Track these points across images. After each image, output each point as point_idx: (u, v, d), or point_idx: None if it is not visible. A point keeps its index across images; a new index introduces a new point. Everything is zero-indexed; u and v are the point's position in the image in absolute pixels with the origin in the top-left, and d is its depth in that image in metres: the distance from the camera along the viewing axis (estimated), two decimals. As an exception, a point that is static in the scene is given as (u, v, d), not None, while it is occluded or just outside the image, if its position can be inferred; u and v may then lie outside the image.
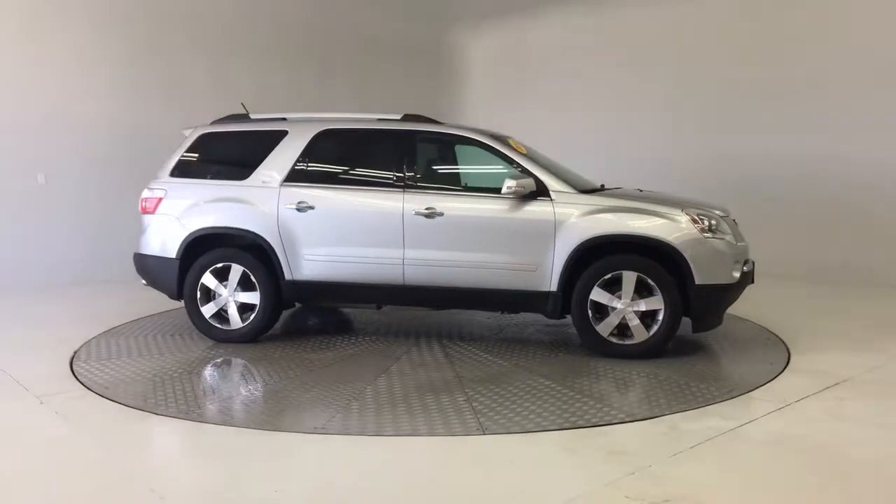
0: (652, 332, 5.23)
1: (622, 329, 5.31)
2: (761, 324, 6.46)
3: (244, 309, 5.78)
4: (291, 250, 5.68)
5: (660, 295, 5.17)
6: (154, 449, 3.92)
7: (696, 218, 5.26)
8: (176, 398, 4.42)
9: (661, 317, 5.20)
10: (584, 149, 10.41)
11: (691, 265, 5.14)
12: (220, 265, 5.77)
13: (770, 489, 3.19)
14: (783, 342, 5.79)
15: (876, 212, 8.70)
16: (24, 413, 4.20)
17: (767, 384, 4.68)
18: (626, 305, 5.23)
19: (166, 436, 3.97)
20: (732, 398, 4.39)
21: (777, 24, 9.41)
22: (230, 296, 5.76)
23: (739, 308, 6.89)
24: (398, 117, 5.98)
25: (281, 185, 5.75)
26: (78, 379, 4.83)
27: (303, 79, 10.90)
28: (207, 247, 5.84)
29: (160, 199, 5.94)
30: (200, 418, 4.11)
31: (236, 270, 5.74)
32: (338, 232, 5.65)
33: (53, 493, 3.17)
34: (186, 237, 5.79)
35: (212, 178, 6.03)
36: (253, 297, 5.74)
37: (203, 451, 3.78)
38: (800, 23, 9.20)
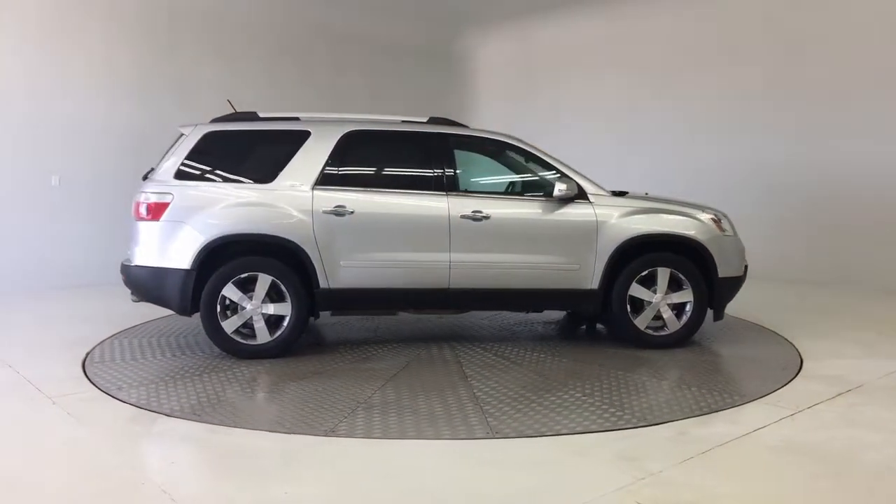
0: (682, 322, 5.70)
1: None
2: (773, 328, 6.42)
3: (269, 322, 5.38)
4: (328, 257, 5.35)
5: (689, 288, 5.67)
6: (171, 451, 3.93)
7: (715, 217, 5.86)
8: (192, 400, 4.42)
9: (689, 308, 5.69)
10: (591, 151, 10.40)
11: (716, 260, 5.69)
12: (244, 275, 5.29)
13: (782, 495, 3.16)
14: (795, 347, 5.76)
15: (886, 215, 8.64)
16: (36, 413, 4.22)
17: (779, 390, 4.64)
18: (660, 299, 5.64)
19: (182, 438, 3.95)
20: (744, 403, 4.37)
21: (783, 28, 9.37)
22: (258, 308, 5.32)
23: (751, 312, 6.92)
24: (424, 119, 5.94)
25: (313, 188, 5.43)
26: (90, 380, 4.85)
27: (313, 80, 10.95)
28: (223, 257, 5.33)
29: (167, 204, 5.30)
30: (285, 430, 3.96)
31: (264, 280, 5.30)
32: (380, 237, 5.45)
33: (65, 494, 3.18)
34: (205, 245, 5.22)
35: (227, 180, 5.49)
36: (283, 309, 5.35)
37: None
38: (804, 27, 9.16)
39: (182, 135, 5.58)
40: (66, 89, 8.81)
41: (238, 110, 5.91)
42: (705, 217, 5.83)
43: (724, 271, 5.73)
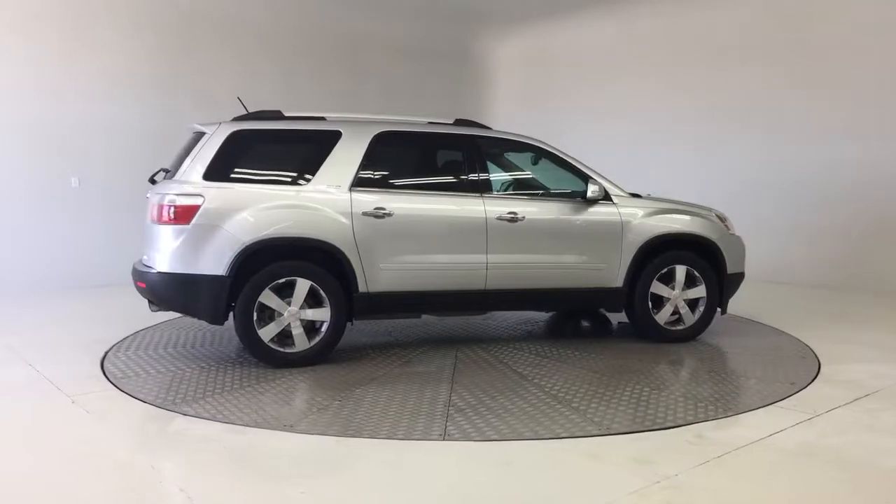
0: (696, 317, 5.99)
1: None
2: (790, 332, 6.38)
3: (305, 329, 5.17)
4: (368, 260, 5.20)
5: (703, 285, 5.94)
6: (185, 449, 3.96)
7: (722, 217, 6.23)
8: (214, 400, 4.45)
9: (701, 304, 5.99)
10: (603, 152, 10.33)
11: (725, 257, 6.02)
12: (282, 280, 5.06)
13: (798, 500, 3.14)
14: (813, 351, 5.71)
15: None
16: (55, 412, 4.27)
17: (797, 394, 4.61)
18: (678, 296, 5.93)
19: (200, 438, 3.95)
20: (761, 407, 4.34)
21: (793, 30, 9.28)
22: (297, 314, 5.09)
23: (767, 315, 6.89)
24: (450, 121, 5.94)
25: (350, 189, 5.28)
26: (109, 379, 4.89)
27: (328, 81, 10.98)
28: (255, 262, 5.03)
29: (197, 207, 4.94)
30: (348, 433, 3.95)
31: (303, 285, 5.08)
32: (419, 239, 5.38)
33: (84, 491, 3.22)
34: (242, 250, 4.93)
35: (260, 181, 5.25)
36: (321, 314, 5.16)
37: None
38: (813, 29, 9.07)
39: (203, 133, 5.28)
40: (82, 91, 8.90)
41: (249, 110, 5.68)
42: (713, 217, 6.16)
43: (731, 268, 6.07)
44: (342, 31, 11.24)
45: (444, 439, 3.82)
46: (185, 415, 4.18)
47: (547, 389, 4.68)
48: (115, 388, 4.70)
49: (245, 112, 5.61)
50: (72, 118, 8.83)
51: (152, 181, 5.55)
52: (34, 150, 8.63)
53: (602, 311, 7.01)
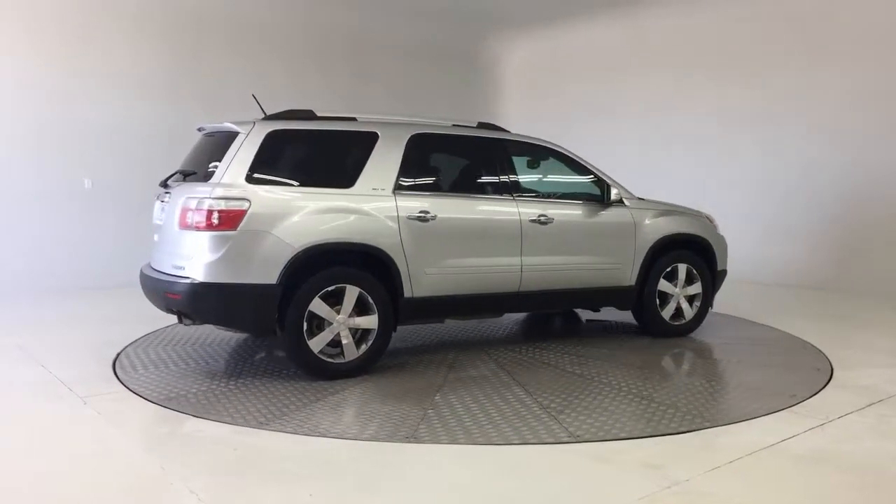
0: (695, 311, 6.40)
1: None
2: (802, 336, 6.34)
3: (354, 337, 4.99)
4: (414, 265, 5.11)
5: (699, 282, 6.36)
6: (197, 451, 3.96)
7: (710, 218, 6.69)
8: (229, 403, 4.45)
9: (697, 300, 6.40)
10: (610, 156, 10.29)
11: (716, 256, 6.49)
12: (331, 288, 4.84)
13: (811, 507, 3.13)
14: (826, 356, 5.67)
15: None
16: (67, 413, 4.29)
17: (810, 399, 4.58)
18: (680, 293, 6.31)
19: (211, 439, 3.96)
20: (773, 412, 4.30)
21: (802, 32, 9.23)
22: (345, 322, 4.89)
23: (779, 320, 6.86)
24: (473, 124, 5.97)
25: (394, 193, 5.18)
26: (121, 381, 4.91)
27: (338, 82, 11.00)
28: (303, 269, 4.79)
29: (243, 212, 4.62)
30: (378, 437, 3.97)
31: (352, 292, 4.89)
32: (461, 242, 5.36)
33: (95, 492, 3.23)
34: (294, 256, 4.69)
35: (305, 183, 4.99)
36: (369, 322, 4.97)
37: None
38: (821, 32, 9.02)
39: (234, 133, 4.95)
40: (93, 93, 8.95)
41: (262, 109, 5.45)
42: (704, 217, 6.62)
43: (720, 265, 6.56)
44: (350, 33, 11.25)
45: (577, 441, 3.82)
46: (198, 416, 4.17)
47: (616, 387, 4.80)
48: (126, 389, 4.72)
49: (261, 110, 5.39)
50: (83, 120, 8.88)
51: (164, 185, 5.32)
52: (47, 152, 8.69)
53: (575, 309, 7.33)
